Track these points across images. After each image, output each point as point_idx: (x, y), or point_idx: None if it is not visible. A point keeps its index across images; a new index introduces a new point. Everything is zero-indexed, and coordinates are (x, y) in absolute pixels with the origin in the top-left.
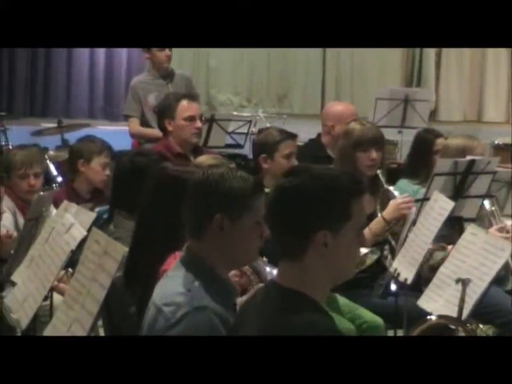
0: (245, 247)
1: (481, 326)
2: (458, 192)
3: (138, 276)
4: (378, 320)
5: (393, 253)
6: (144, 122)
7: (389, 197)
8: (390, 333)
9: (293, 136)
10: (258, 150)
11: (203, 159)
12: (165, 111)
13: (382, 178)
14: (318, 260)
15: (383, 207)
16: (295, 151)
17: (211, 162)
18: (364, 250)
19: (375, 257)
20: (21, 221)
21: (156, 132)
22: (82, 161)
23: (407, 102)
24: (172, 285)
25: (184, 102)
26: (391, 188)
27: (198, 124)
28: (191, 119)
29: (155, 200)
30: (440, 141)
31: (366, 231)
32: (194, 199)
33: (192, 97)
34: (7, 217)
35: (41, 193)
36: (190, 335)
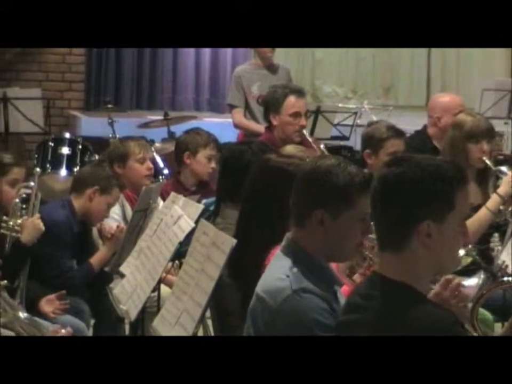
0: (344, 243)
1: None
2: None
3: (241, 266)
4: (486, 313)
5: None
6: (248, 113)
7: (500, 176)
8: (498, 326)
9: (401, 135)
10: (364, 144)
11: (289, 149)
12: (271, 104)
13: (489, 162)
14: (422, 250)
15: (496, 189)
16: (401, 150)
17: (295, 152)
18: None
19: (469, 259)
20: (129, 212)
21: (258, 127)
22: (188, 153)
23: None
24: (271, 273)
25: (291, 98)
26: (501, 168)
27: (303, 121)
28: (297, 115)
29: (258, 191)
30: None
31: (483, 210)
32: (299, 189)
33: (301, 92)
34: (115, 209)
35: (150, 185)
36: (294, 318)
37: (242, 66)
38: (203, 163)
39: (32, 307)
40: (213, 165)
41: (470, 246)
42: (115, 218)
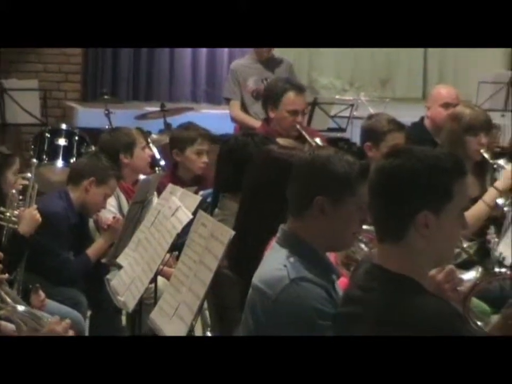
0: (343, 231)
1: None
2: None
3: (240, 259)
4: (483, 305)
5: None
6: (243, 106)
7: (498, 169)
8: (495, 318)
9: (402, 128)
10: (365, 136)
11: (282, 142)
12: (269, 97)
13: (487, 155)
14: (420, 241)
15: (493, 181)
16: (402, 143)
17: (286, 145)
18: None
19: (471, 251)
20: (124, 203)
21: (255, 122)
22: (176, 151)
23: (510, 85)
24: (268, 264)
25: (290, 94)
26: (500, 161)
27: (300, 118)
28: (294, 113)
29: (259, 183)
30: None
31: (480, 203)
32: (298, 179)
33: (300, 89)
34: (111, 200)
35: (147, 176)
36: (293, 307)
37: (239, 60)
38: (192, 159)
39: (27, 299)
40: (204, 159)
41: (471, 242)
42: (111, 210)
